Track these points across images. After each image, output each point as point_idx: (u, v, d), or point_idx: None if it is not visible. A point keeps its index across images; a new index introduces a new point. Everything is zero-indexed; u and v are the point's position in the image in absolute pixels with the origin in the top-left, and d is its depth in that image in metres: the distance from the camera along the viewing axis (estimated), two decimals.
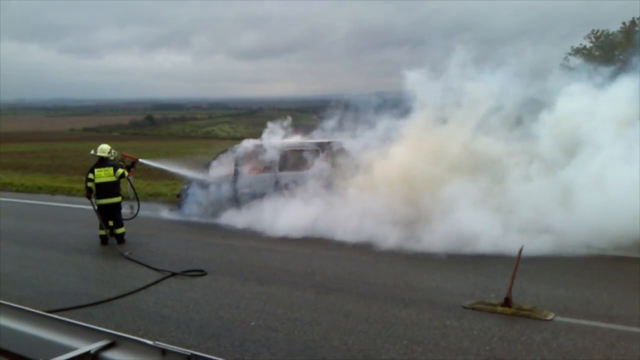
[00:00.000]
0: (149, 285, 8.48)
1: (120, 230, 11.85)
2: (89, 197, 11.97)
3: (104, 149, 11.99)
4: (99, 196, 11.75)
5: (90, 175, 11.79)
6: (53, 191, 20.64)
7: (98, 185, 11.72)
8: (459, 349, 5.88)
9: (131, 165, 13.11)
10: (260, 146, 14.11)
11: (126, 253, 10.49)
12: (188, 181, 14.80)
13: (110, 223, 11.80)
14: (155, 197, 18.17)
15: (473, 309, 7.02)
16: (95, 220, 11.76)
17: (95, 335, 2.91)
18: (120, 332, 2.88)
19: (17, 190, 21.55)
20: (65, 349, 2.86)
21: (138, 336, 2.79)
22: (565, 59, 31.81)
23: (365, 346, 6.01)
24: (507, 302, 6.91)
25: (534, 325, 6.43)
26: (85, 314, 7.07)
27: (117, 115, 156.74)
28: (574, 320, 6.55)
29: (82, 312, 7.23)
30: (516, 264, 7.02)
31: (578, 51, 31.54)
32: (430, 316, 6.84)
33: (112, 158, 12.13)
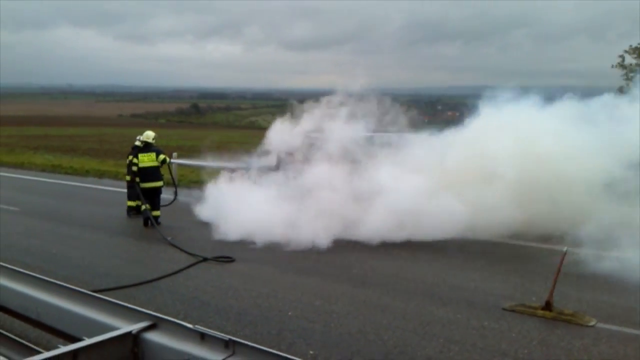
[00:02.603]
0: (180, 270, 8.64)
1: (156, 213, 12.25)
2: (133, 180, 12.36)
3: (148, 135, 12.50)
4: (143, 180, 12.18)
5: (135, 160, 12.26)
6: (100, 175, 21.16)
7: (141, 169, 12.18)
8: (496, 350, 5.80)
9: None
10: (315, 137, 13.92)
11: (169, 238, 10.69)
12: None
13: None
14: (199, 184, 18.41)
15: (513, 311, 6.91)
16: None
17: (138, 316, 2.99)
18: (161, 314, 2.95)
19: (66, 173, 22.17)
20: (108, 328, 2.95)
21: (178, 320, 2.85)
22: (621, 56, 30.76)
23: (401, 342, 5.99)
24: (548, 305, 6.77)
25: (574, 331, 6.29)
26: (128, 296, 7.23)
27: (164, 102, 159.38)
28: (616, 328, 6.38)
29: (125, 293, 7.40)
30: (559, 267, 6.88)
31: (635, 50, 30.49)
32: (468, 316, 6.76)
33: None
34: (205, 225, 11.57)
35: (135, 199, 12.95)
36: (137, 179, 12.18)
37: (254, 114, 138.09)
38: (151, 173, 12.25)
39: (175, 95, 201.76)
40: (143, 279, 8.12)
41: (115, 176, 20.14)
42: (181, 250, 9.83)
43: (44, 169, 23.79)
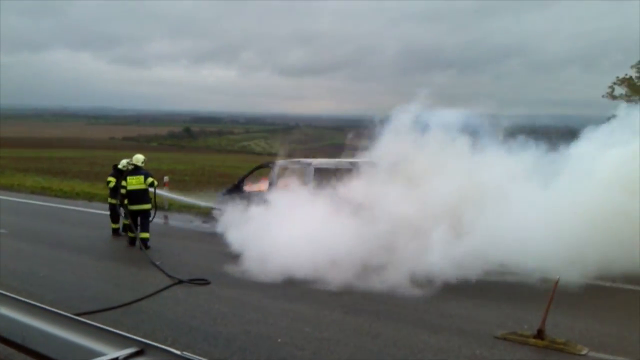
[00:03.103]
0: (154, 293, 8.57)
1: (144, 235, 12.20)
2: (122, 203, 12.49)
3: (138, 158, 12.70)
4: (131, 202, 12.30)
5: (123, 182, 12.45)
6: (91, 197, 21.07)
7: (130, 192, 12.31)
8: None
9: None
10: (295, 163, 14.16)
11: (158, 263, 10.60)
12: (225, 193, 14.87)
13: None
14: (189, 208, 18.36)
15: (504, 339, 6.85)
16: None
17: (124, 342, 2.93)
18: (148, 340, 2.90)
19: (56, 195, 22.08)
20: (95, 354, 2.88)
21: (166, 346, 2.80)
22: (611, 87, 31.31)
23: None
24: (540, 334, 6.72)
25: (567, 359, 6.25)
26: (115, 321, 7.12)
27: (156, 126, 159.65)
28: (608, 357, 6.33)
29: (112, 318, 7.29)
30: (552, 296, 6.85)
31: (623, 81, 31.02)
32: (459, 344, 6.70)
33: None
34: (196, 250, 11.49)
35: (118, 221, 13.24)
36: (126, 201, 12.26)
37: (246, 138, 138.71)
38: (139, 196, 12.31)
39: (167, 118, 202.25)
40: (130, 305, 8.02)
41: (106, 199, 20.01)
42: (162, 271, 9.80)
43: (33, 191, 23.68)
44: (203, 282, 9.33)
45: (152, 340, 2.88)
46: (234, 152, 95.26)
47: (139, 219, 12.24)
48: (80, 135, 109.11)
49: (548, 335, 6.71)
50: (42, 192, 23.32)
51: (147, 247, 11.89)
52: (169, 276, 9.53)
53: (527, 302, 8.38)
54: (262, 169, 14.97)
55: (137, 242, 11.97)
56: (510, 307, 8.22)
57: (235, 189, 14.62)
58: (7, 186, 24.85)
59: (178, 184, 20.95)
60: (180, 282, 9.27)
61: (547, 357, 6.34)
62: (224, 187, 15.78)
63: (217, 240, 13.11)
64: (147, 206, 12.41)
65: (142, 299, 8.25)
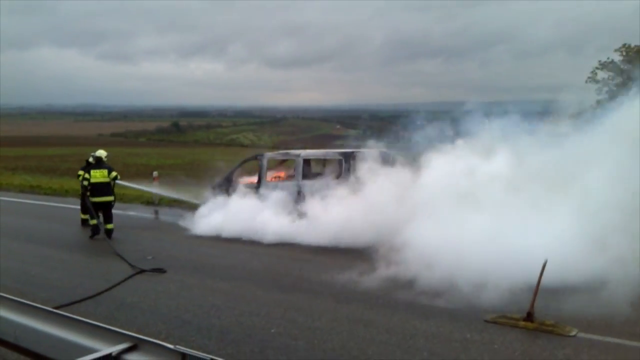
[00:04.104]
0: (117, 284, 8.85)
1: (110, 226, 13.06)
2: (84, 195, 13.38)
3: (101, 153, 13.58)
4: (94, 194, 13.05)
5: (87, 175, 13.19)
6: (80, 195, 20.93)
7: (93, 184, 13.07)
8: None
9: None
10: (284, 154, 14.27)
11: (149, 257, 10.64)
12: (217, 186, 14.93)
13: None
14: (179, 203, 18.34)
15: (495, 322, 6.94)
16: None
17: (117, 337, 2.97)
18: (142, 335, 2.93)
19: (45, 193, 21.95)
20: (88, 351, 2.92)
21: (159, 340, 2.84)
22: (593, 72, 31.53)
23: (385, 357, 5.98)
24: (529, 316, 6.82)
25: (556, 341, 6.34)
26: (108, 317, 7.15)
27: (144, 121, 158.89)
28: (597, 337, 6.44)
29: (105, 314, 7.32)
30: (539, 279, 6.93)
31: (605, 65, 31.24)
32: (450, 329, 6.78)
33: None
34: (188, 245, 11.49)
35: (86, 212, 14.01)
36: (88, 193, 13.05)
37: (234, 131, 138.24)
38: (102, 188, 13.08)
39: (155, 113, 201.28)
40: (122, 300, 8.06)
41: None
42: (126, 261, 10.24)
43: (22, 189, 23.53)
44: (160, 270, 9.77)
45: (146, 335, 2.91)
46: (222, 146, 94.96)
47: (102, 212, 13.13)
48: (67, 133, 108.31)
49: (537, 318, 6.81)
50: (31, 190, 23.18)
51: (110, 237, 12.60)
52: (132, 266, 9.95)
53: (516, 285, 8.47)
54: (250, 161, 15.01)
55: (102, 232, 12.75)
56: (500, 290, 8.30)
57: (225, 182, 14.65)
58: None
59: (168, 179, 20.87)
60: (143, 271, 9.70)
61: (536, 339, 6.43)
62: (214, 180, 15.78)
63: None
64: (110, 198, 13.22)
65: (110, 288, 8.53)
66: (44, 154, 49.10)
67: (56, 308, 4.10)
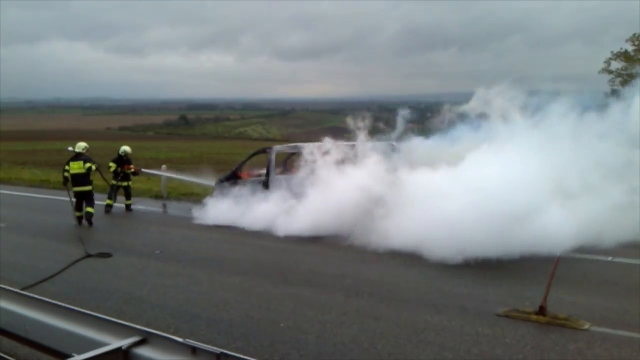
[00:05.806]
0: (65, 268, 9.46)
1: (90, 209, 13.99)
2: (64, 185, 14.39)
3: (80, 145, 14.39)
4: (73, 184, 14.02)
5: (66, 167, 14.09)
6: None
7: (72, 175, 14.01)
8: (490, 356, 5.76)
9: (134, 173, 16.65)
10: (292, 147, 14.24)
11: (157, 251, 10.65)
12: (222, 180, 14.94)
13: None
14: (188, 196, 18.35)
15: (506, 316, 6.88)
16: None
17: (127, 331, 2.94)
18: (151, 329, 2.90)
19: (54, 188, 21.98)
20: (98, 344, 2.89)
21: (168, 334, 2.80)
22: (606, 62, 31.33)
23: (395, 350, 5.94)
24: (541, 310, 6.75)
25: (569, 335, 6.27)
26: (117, 311, 7.14)
27: (152, 114, 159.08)
28: (610, 331, 6.37)
29: (114, 308, 7.31)
30: (552, 272, 6.87)
31: (619, 55, 31.01)
32: (462, 322, 6.72)
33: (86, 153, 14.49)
34: (196, 239, 11.48)
35: (110, 198, 15.93)
36: (69, 184, 14.00)
37: (242, 124, 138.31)
38: (80, 179, 13.98)
39: (163, 107, 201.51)
40: (131, 295, 8.06)
41: (104, 190, 19.98)
42: (82, 245, 11.05)
43: (31, 184, 23.60)
44: (106, 255, 10.46)
45: (155, 329, 2.88)
46: (230, 139, 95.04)
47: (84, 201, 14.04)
48: (76, 127, 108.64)
49: (550, 312, 6.74)
50: (40, 184, 23.25)
51: (90, 224, 13.81)
52: (87, 252, 10.58)
53: (528, 279, 8.42)
54: (259, 154, 14.99)
55: (83, 220, 13.88)
56: (511, 284, 8.25)
57: (233, 176, 14.65)
58: (5, 180, 24.76)
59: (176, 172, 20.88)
60: (89, 255, 10.40)
61: (549, 332, 6.37)
62: (222, 175, 15.80)
63: (215, 227, 13.16)
64: (88, 188, 14.05)
65: (63, 270, 9.34)
66: (53, 147, 49.18)
67: (24, 289, 4.08)
